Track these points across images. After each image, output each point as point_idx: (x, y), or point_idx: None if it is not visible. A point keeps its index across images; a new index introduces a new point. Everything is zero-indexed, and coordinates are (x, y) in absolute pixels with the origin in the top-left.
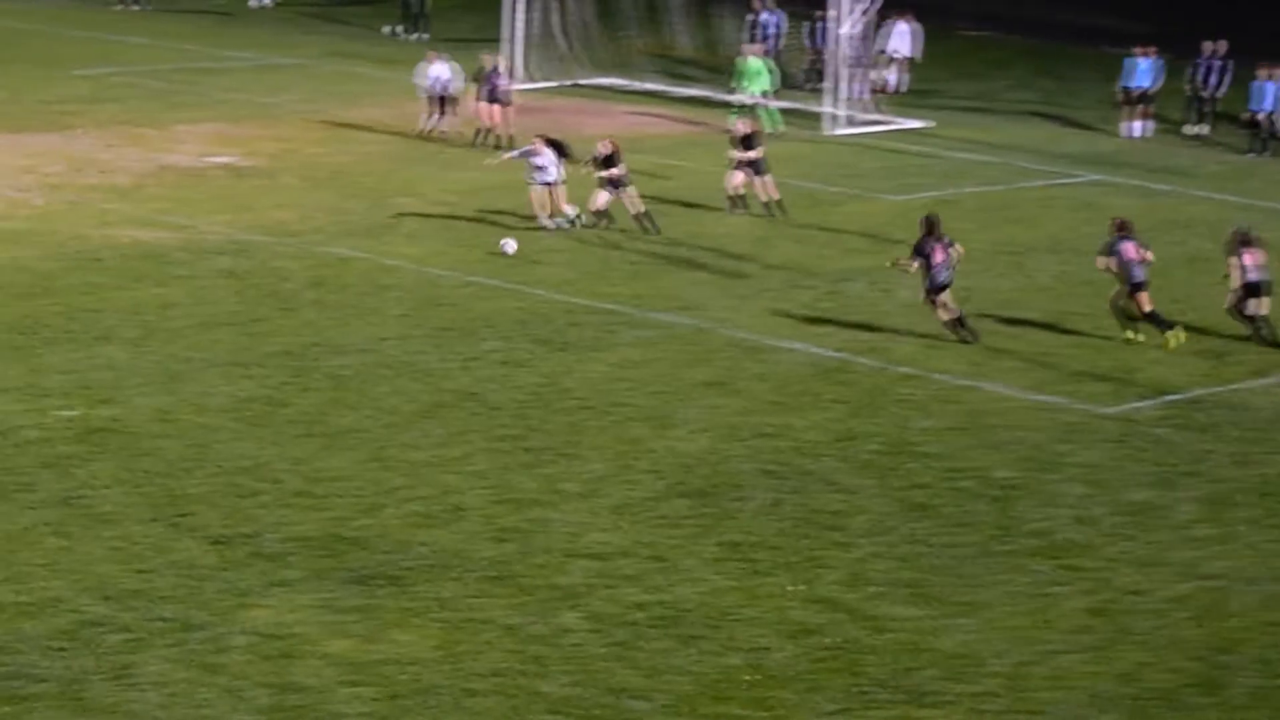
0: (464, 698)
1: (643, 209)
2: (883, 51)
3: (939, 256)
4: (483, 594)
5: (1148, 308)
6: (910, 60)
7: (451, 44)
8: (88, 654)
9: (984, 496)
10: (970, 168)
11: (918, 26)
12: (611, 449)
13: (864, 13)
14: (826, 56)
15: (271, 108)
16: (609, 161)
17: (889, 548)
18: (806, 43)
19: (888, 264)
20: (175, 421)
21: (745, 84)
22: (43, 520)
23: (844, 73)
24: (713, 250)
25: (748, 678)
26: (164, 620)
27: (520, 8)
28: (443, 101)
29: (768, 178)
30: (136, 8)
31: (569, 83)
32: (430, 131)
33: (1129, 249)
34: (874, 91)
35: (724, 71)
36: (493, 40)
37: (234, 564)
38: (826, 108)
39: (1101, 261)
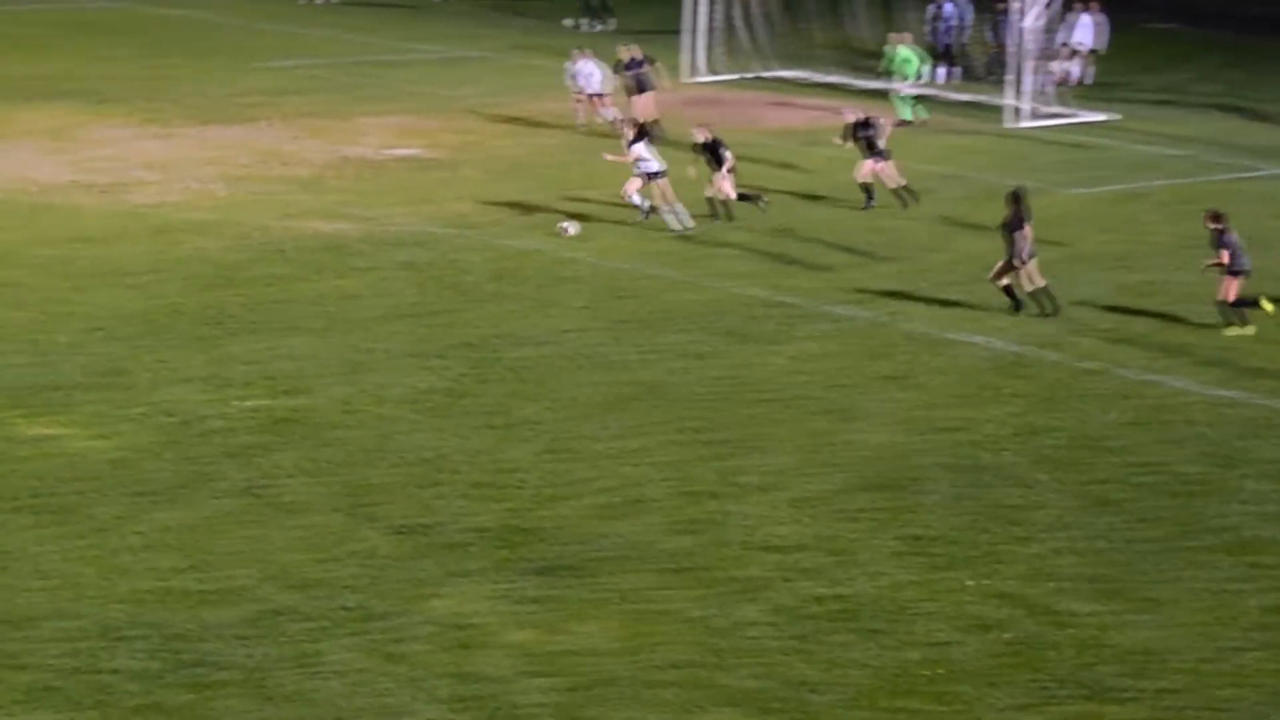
0: (644, 689)
1: (731, 194)
2: (1065, 44)
3: (1028, 231)
4: (664, 586)
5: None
6: (1094, 53)
7: (634, 36)
8: (271, 642)
9: (1166, 492)
10: (1156, 161)
11: (1102, 18)
12: (792, 442)
13: (1047, 5)
14: (1008, 49)
15: (454, 100)
16: (714, 149)
17: (1070, 543)
18: (989, 35)
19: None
20: (357, 412)
21: (896, 72)
22: (228, 509)
23: (1026, 65)
24: (892, 243)
25: (927, 672)
26: (346, 609)
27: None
28: (591, 98)
29: (891, 164)
30: (321, 1)
31: (749, 75)
32: (592, 123)
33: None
34: (1057, 84)
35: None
36: (673, 32)
37: (415, 554)
38: (1008, 100)
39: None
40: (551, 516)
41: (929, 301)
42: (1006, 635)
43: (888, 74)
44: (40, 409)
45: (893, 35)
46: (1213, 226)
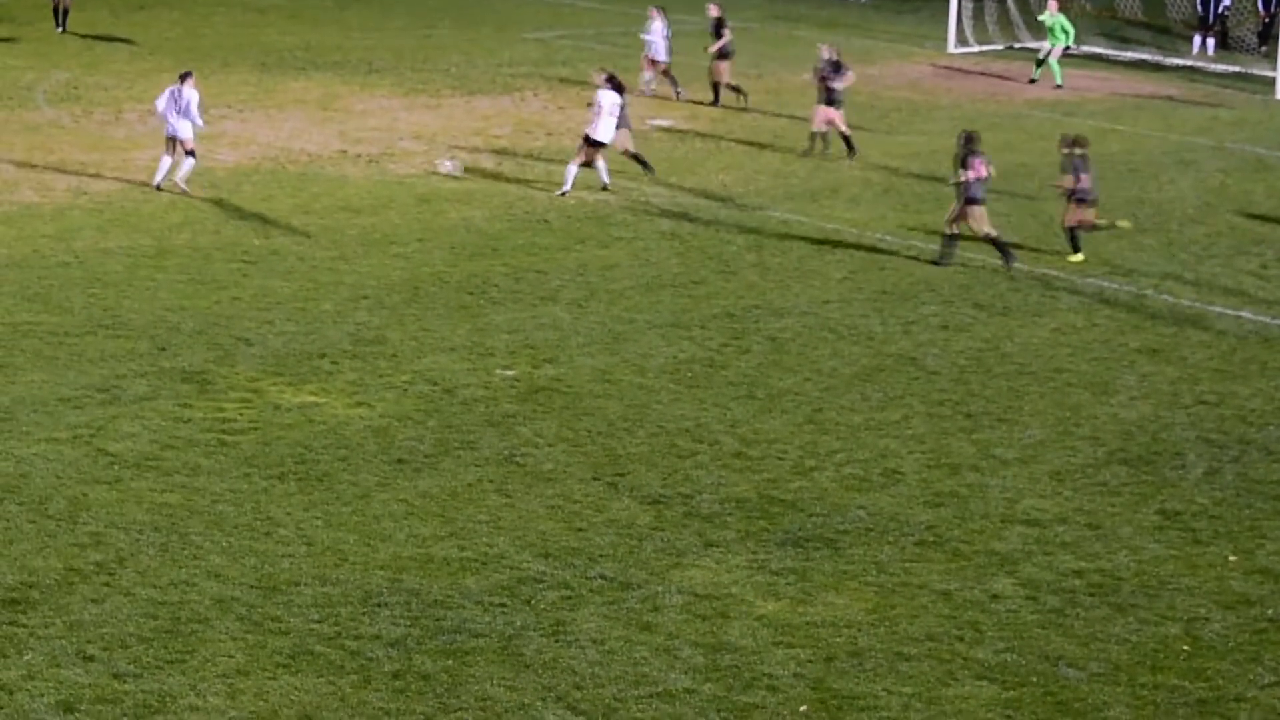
0: (897, 661)
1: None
2: None
3: (981, 171)
4: (917, 558)
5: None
6: None
7: (898, 2)
8: (526, 610)
9: None
10: None
11: None
12: (1051, 415)
13: None
14: (1273, 21)
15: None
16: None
17: None
18: (1260, 6)
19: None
20: (616, 382)
21: (1050, 39)
22: (486, 477)
23: None
24: (1154, 215)
25: (1185, 647)
26: (601, 578)
27: None
28: (653, 62)
29: (838, 112)
30: None
31: (1009, 45)
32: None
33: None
34: None
35: (1171, 34)
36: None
37: (670, 524)
38: (1275, 71)
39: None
40: (806, 487)
41: (1191, 274)
42: (1268, 612)
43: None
44: (305, 377)
45: (1051, 3)
46: (1066, 151)
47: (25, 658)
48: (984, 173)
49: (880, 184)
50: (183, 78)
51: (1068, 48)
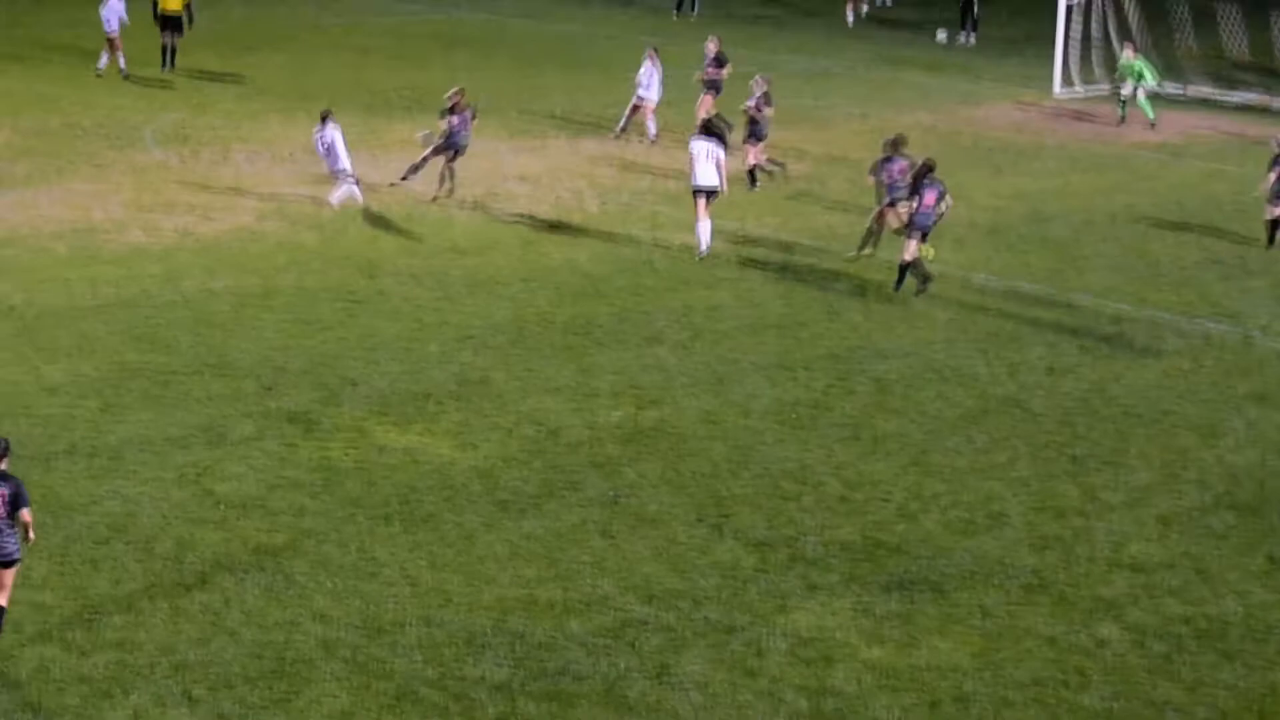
0: (1002, 707)
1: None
2: None
3: (929, 199)
4: (1023, 603)
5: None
6: None
7: (1003, 44)
8: (630, 653)
9: None
10: None
11: None
12: (1158, 458)
13: None
14: None
15: (820, 111)
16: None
17: None
18: None
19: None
20: (720, 424)
21: (1130, 78)
22: (590, 519)
23: None
24: (1263, 257)
25: None
26: (705, 621)
27: (1069, 13)
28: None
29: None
30: (694, 17)
31: (1116, 88)
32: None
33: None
34: None
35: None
36: (1046, 42)
37: (774, 567)
38: None
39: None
40: (910, 531)
41: None
42: None
43: (1123, 80)
44: (410, 418)
45: (1128, 48)
46: (887, 154)
47: (131, 698)
48: (932, 203)
49: (985, 225)
50: (323, 117)
51: (1146, 86)
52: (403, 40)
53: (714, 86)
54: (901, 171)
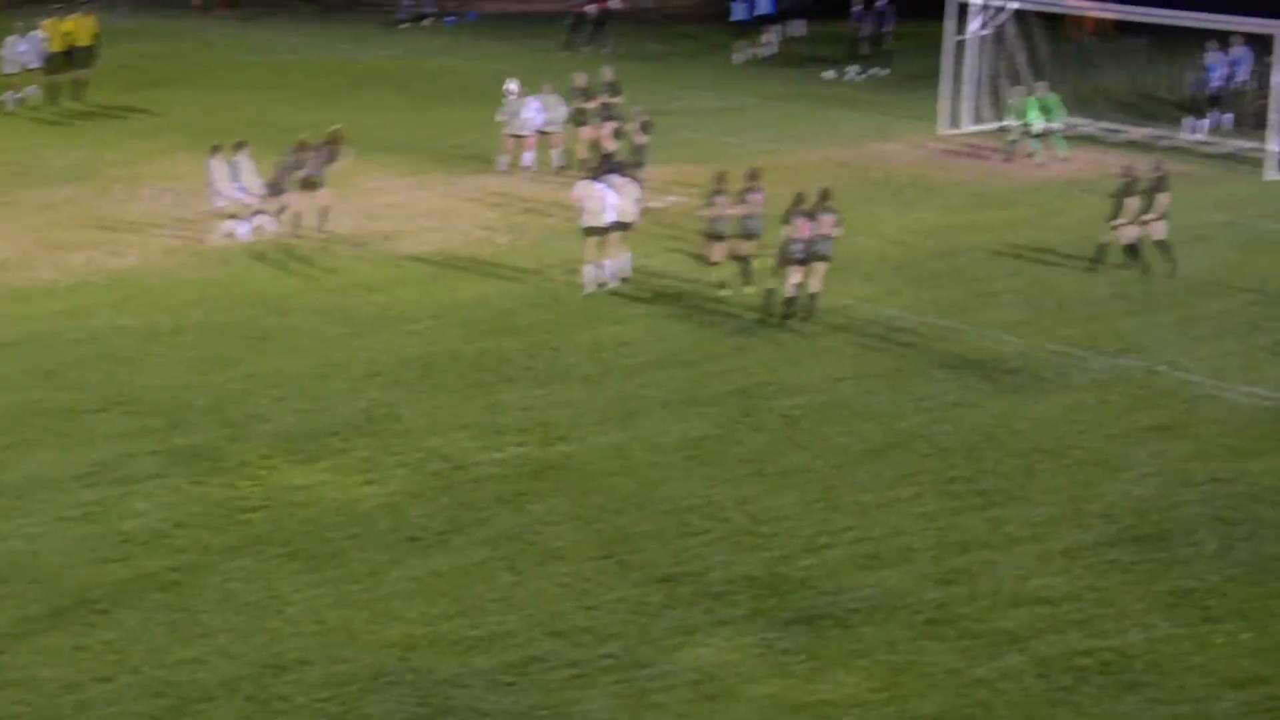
0: None
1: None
2: None
3: (804, 231)
4: (928, 636)
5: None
6: None
7: (913, 80)
8: (535, 689)
9: None
10: None
11: None
12: (1063, 492)
13: None
14: (1275, 96)
15: (731, 148)
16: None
17: None
18: (1257, 85)
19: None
20: (628, 459)
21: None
22: (496, 555)
23: None
24: (1166, 292)
25: None
26: (611, 657)
27: (975, 48)
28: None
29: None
30: (605, 51)
31: (1026, 125)
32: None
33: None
34: None
35: (1184, 109)
36: (955, 79)
37: (680, 602)
38: (1277, 148)
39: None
40: (805, 567)
41: (1204, 351)
42: (1266, 692)
43: (1026, 116)
44: (317, 454)
45: (1020, 89)
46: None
47: None
48: (806, 234)
49: (894, 260)
50: (236, 147)
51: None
52: (314, 77)
53: (606, 116)
54: (758, 203)
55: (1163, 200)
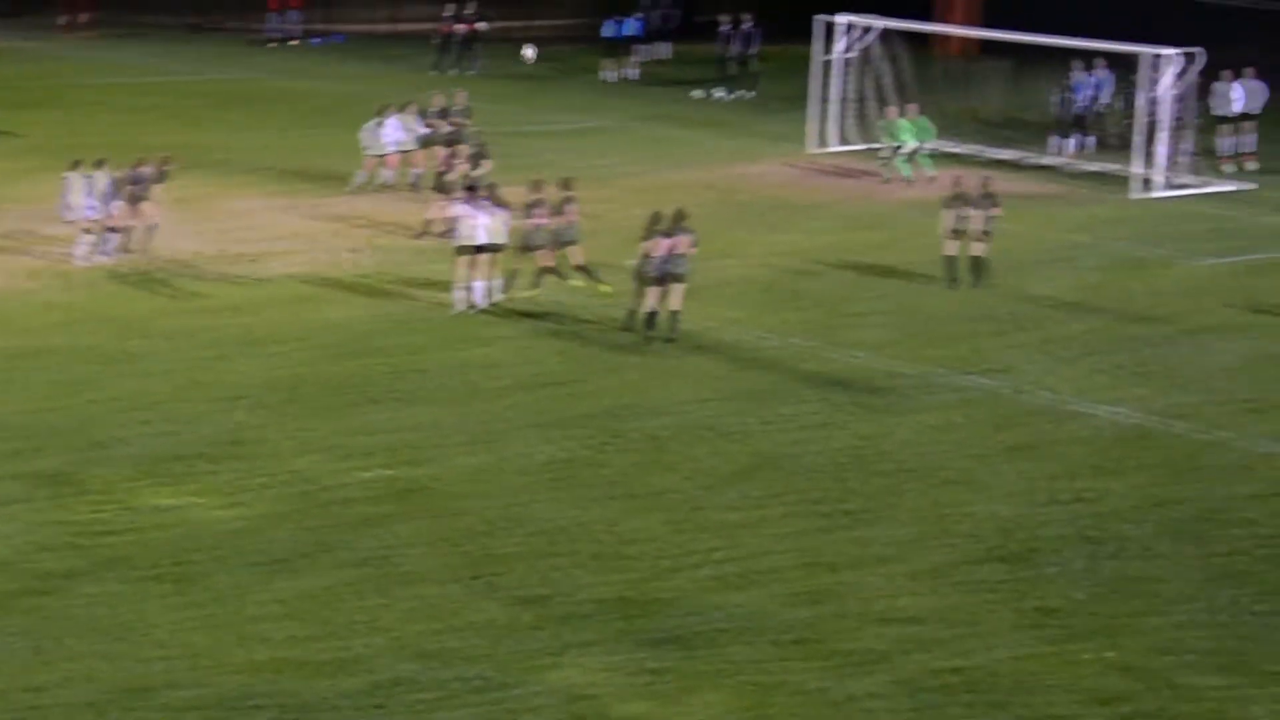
0: None
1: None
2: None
3: (660, 250)
4: (783, 657)
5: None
6: (1250, 118)
7: (779, 101)
8: (402, 711)
9: None
10: None
11: (1257, 85)
12: (927, 512)
13: (1180, 74)
14: (1141, 118)
15: (597, 169)
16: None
17: (1195, 616)
18: (1123, 105)
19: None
20: (484, 482)
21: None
22: (360, 578)
23: (1161, 134)
24: (1031, 312)
25: None
26: (465, 680)
27: (840, 70)
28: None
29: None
30: (472, 72)
31: (895, 147)
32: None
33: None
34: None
35: (1045, 132)
36: (821, 100)
37: (536, 624)
38: (1148, 170)
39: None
40: (673, 587)
41: (1068, 371)
42: (1131, 709)
43: (894, 138)
44: (180, 477)
45: (892, 110)
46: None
47: None
48: (663, 252)
49: (760, 281)
50: (97, 164)
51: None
52: (179, 99)
53: (453, 140)
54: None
55: (978, 218)
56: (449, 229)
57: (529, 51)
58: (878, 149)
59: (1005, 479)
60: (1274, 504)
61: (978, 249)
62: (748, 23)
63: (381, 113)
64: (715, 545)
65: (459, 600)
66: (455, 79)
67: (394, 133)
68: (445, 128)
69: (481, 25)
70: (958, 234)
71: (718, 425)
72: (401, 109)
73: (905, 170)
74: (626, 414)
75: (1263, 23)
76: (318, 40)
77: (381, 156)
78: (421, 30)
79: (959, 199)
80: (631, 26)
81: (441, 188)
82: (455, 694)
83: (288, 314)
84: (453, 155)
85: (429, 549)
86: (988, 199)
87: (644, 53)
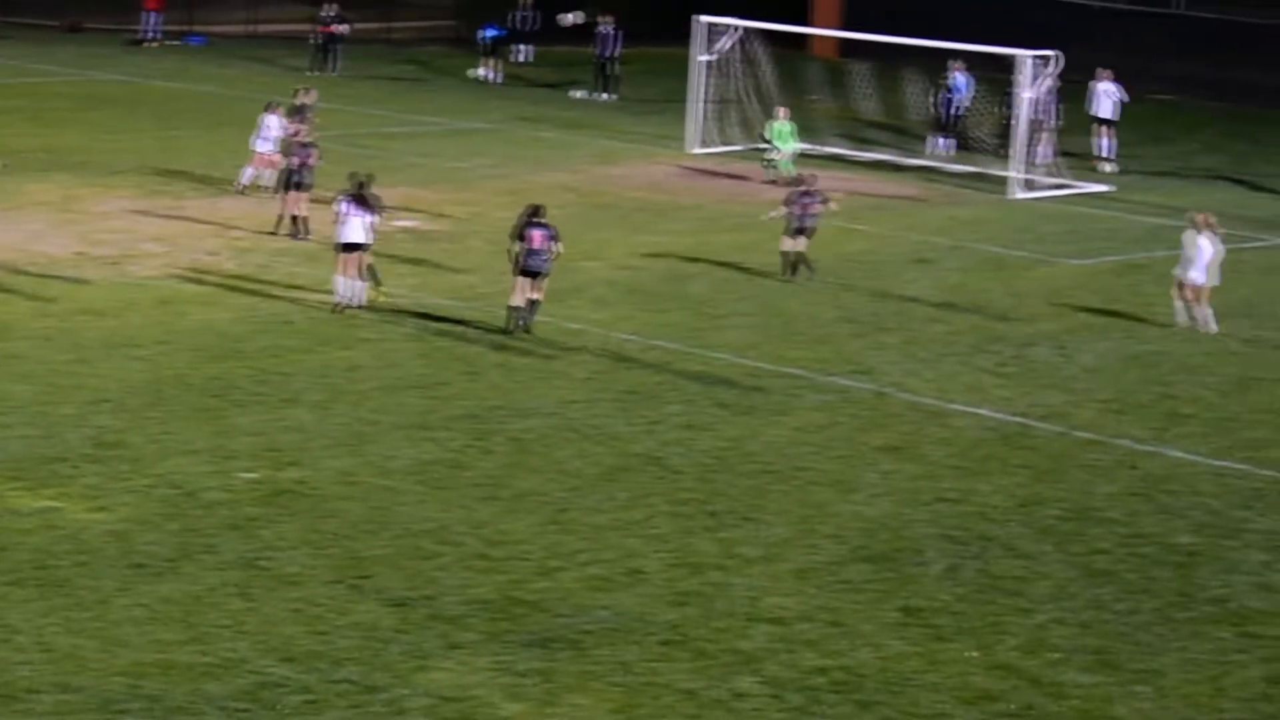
0: None
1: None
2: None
3: (536, 242)
4: (662, 658)
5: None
6: (1109, 123)
7: (642, 103)
8: (269, 715)
9: (1165, 563)
10: (1158, 232)
11: (1111, 87)
12: (794, 513)
13: (1040, 76)
14: (1013, 120)
15: (459, 172)
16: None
17: (1071, 614)
18: (999, 108)
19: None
20: (359, 484)
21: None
22: (227, 581)
23: (1029, 136)
24: (896, 314)
25: None
26: (345, 682)
27: (707, 71)
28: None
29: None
30: (333, 74)
31: (751, 147)
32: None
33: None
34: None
35: (910, 134)
36: (684, 102)
37: (414, 626)
38: (1010, 172)
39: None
40: (550, 588)
41: (931, 372)
42: (1009, 707)
43: (770, 141)
44: (43, 481)
45: (781, 110)
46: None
47: None
48: (540, 245)
49: (625, 284)
50: None
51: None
52: (40, 101)
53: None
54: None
55: (797, 213)
56: (300, 229)
57: (570, 16)
58: (762, 151)
59: (870, 480)
60: (1135, 504)
61: (800, 244)
62: (608, 25)
63: (269, 109)
64: (583, 547)
65: (329, 603)
66: (316, 80)
67: (275, 132)
68: (297, 127)
69: (341, 28)
70: (795, 232)
71: (583, 427)
72: (276, 108)
73: (788, 168)
74: (491, 416)
75: (1117, 23)
76: (197, 40)
77: (263, 154)
78: (279, 32)
79: (794, 198)
80: (494, 30)
81: (297, 186)
82: (325, 697)
83: (149, 317)
84: (306, 154)
85: (297, 552)
86: (808, 196)
87: (513, 54)
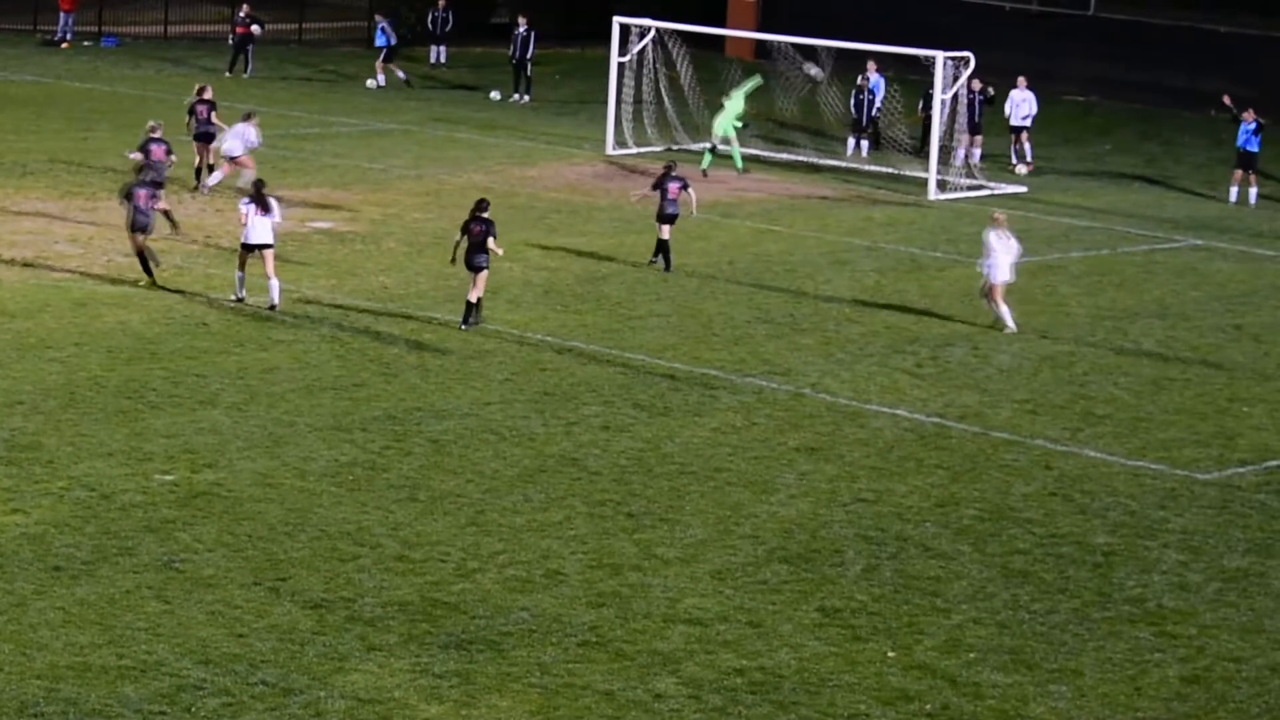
0: None
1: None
2: (1020, 125)
3: (475, 229)
4: (581, 659)
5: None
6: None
7: (557, 104)
8: (187, 718)
9: (1082, 563)
10: (1072, 232)
11: (1027, 94)
12: (711, 514)
13: (953, 79)
14: (931, 122)
15: (376, 173)
16: None
17: (988, 614)
18: (920, 108)
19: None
20: (276, 486)
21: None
22: (144, 584)
23: (942, 138)
24: (809, 314)
25: None
26: (263, 684)
27: (625, 73)
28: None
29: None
30: (246, 75)
31: (669, 147)
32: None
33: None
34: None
35: (828, 136)
36: (599, 103)
37: (332, 628)
38: (925, 173)
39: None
40: (468, 590)
41: (847, 373)
42: (926, 706)
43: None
44: None
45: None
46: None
47: None
48: (479, 239)
49: (540, 285)
50: None
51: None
52: None
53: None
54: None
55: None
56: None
57: (815, 70)
58: (695, 150)
59: (787, 481)
60: (1052, 504)
61: (664, 232)
62: (522, 27)
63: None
64: (499, 549)
65: (247, 605)
66: (229, 81)
67: (248, 138)
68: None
69: (255, 29)
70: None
71: (500, 429)
72: (252, 118)
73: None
74: (407, 418)
75: (1028, 25)
76: (112, 41)
77: (234, 159)
78: (192, 33)
79: (661, 181)
80: (381, 40)
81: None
82: (242, 700)
83: (63, 319)
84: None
85: (215, 554)
86: (674, 180)
87: (431, 54)
